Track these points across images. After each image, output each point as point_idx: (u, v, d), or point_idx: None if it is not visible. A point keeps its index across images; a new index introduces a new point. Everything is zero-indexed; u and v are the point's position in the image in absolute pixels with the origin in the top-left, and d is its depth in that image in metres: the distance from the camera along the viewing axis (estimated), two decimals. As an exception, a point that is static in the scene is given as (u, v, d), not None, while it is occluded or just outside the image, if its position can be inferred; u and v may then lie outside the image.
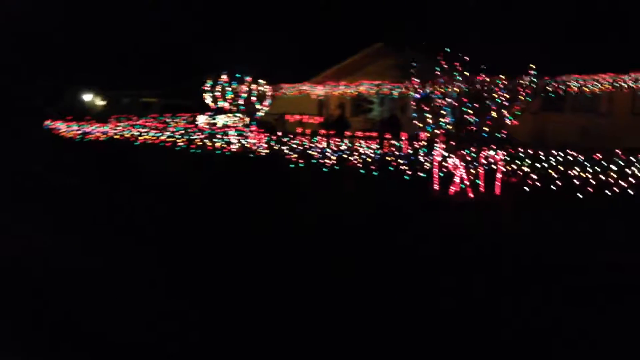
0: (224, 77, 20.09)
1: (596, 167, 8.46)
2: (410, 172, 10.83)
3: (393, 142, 12.01)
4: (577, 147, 10.55)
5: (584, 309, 4.68)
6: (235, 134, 17.87)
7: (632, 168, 7.98)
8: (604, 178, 8.20)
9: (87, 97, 46.01)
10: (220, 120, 23.40)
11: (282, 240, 6.81)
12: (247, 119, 20.52)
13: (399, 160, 11.23)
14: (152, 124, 19.50)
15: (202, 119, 24.20)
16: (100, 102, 45.96)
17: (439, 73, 11.77)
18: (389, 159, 11.51)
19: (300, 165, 12.52)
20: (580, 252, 6.20)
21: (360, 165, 11.54)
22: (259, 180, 11.16)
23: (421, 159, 10.99)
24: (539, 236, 7.00)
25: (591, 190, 8.24)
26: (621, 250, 6.25)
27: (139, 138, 18.57)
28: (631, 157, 8.11)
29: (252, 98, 20.10)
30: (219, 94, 19.75)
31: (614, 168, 8.17)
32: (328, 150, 12.70)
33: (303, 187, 10.63)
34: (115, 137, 19.62)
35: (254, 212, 8.34)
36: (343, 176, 11.23)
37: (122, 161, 14.31)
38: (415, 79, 12.26)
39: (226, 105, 20.02)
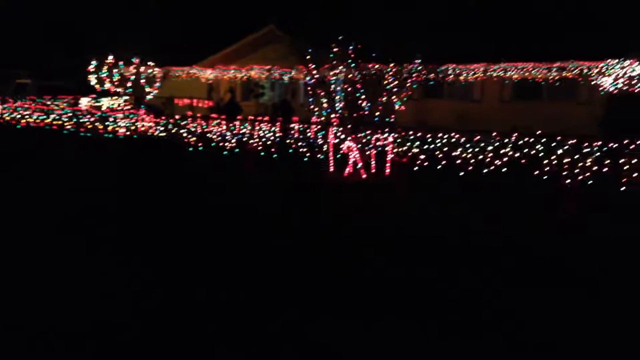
0: (110, 58, 19.34)
1: (475, 148, 9.41)
2: (308, 155, 11.28)
3: (292, 125, 12.38)
4: (454, 130, 11.51)
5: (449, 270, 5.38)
6: (125, 117, 17.31)
7: (506, 149, 8.99)
8: (481, 157, 9.16)
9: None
10: (105, 103, 22.48)
11: (193, 219, 6.99)
12: (134, 102, 19.92)
13: (298, 143, 11.63)
14: (33, 106, 18.30)
15: (85, 102, 23.07)
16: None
17: (333, 59, 12.32)
18: (288, 141, 11.89)
19: (200, 148, 12.55)
20: (452, 223, 7.01)
21: (261, 148, 11.82)
22: (160, 164, 11.07)
23: (319, 141, 11.48)
24: (421, 211, 7.77)
25: (470, 168, 9.17)
26: (491, 220, 7.12)
27: (22, 121, 17.40)
28: (505, 139, 9.16)
29: (141, 81, 19.56)
30: (105, 75, 18.99)
31: (490, 148, 9.18)
32: (228, 133, 12.81)
33: (204, 170, 10.73)
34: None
35: (162, 196, 8.35)
36: (244, 159, 11.45)
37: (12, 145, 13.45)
38: (310, 64, 12.67)
39: (113, 87, 19.32)
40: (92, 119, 16.11)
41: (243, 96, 27.63)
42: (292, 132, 12.06)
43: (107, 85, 18.86)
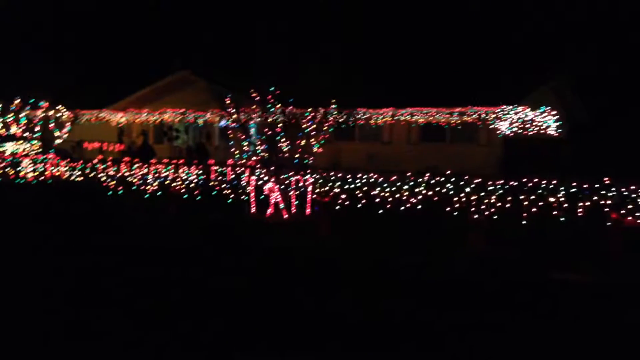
0: (17, 101, 18.64)
1: (392, 187, 10.07)
2: (232, 196, 11.50)
3: (215, 168, 12.58)
4: (366, 170, 12.18)
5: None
6: (33, 162, 16.69)
7: (420, 187, 9.73)
8: (398, 196, 9.83)
9: None
10: (9, 148, 21.48)
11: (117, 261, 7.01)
12: (41, 147, 19.23)
13: (222, 185, 11.83)
14: None
15: (-15, 147, 21.94)
16: None
17: (252, 104, 12.75)
18: (212, 184, 12.05)
19: (120, 192, 12.40)
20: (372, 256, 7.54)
21: (184, 191, 11.89)
22: (79, 209, 10.85)
23: (242, 183, 11.75)
24: (345, 246, 8.26)
25: (389, 206, 9.81)
26: (413, 253, 7.73)
27: None
28: (419, 179, 9.91)
29: (49, 125, 18.97)
30: (12, 119, 18.25)
31: (406, 187, 9.87)
32: (148, 176, 12.75)
33: (127, 213, 10.66)
34: None
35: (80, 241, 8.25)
36: (168, 201, 11.46)
37: None
38: (230, 108, 13.00)
39: (19, 132, 18.56)
40: (1, 164, 15.41)
41: (155, 139, 27.34)
42: (215, 174, 12.25)
43: (14, 130, 18.10)
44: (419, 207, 9.52)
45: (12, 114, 18.23)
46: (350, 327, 5.00)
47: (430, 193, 9.62)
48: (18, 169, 15.44)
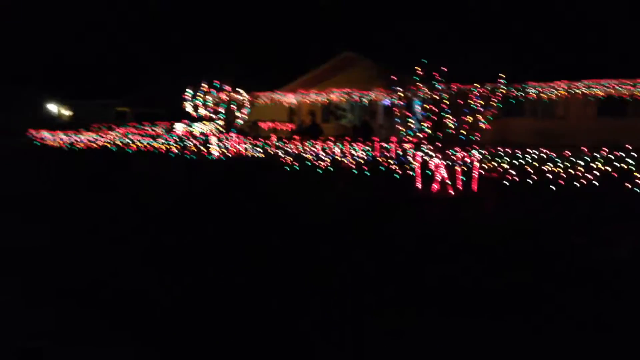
0: (204, 85, 20.78)
1: (565, 163, 9.70)
2: (399, 172, 11.91)
3: (381, 144, 13.10)
4: (536, 146, 11.73)
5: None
6: (218, 140, 18.64)
7: (596, 163, 9.24)
8: (572, 172, 9.44)
9: (52, 107, 45.61)
10: (198, 127, 24.04)
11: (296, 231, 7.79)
12: (224, 127, 21.26)
13: (389, 161, 12.31)
14: (139, 131, 20.11)
15: (180, 127, 24.77)
16: (66, 111, 45.64)
17: (417, 81, 12.95)
18: (379, 159, 12.59)
19: (296, 167, 13.49)
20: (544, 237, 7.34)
21: (353, 166, 12.59)
22: (263, 181, 12.07)
23: (409, 159, 12.10)
24: (511, 222, 8.16)
25: (562, 182, 9.47)
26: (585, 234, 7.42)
27: (131, 145, 19.18)
28: (595, 154, 9.41)
29: (232, 106, 20.88)
30: (200, 102, 20.42)
31: (581, 163, 9.44)
32: (322, 153, 13.69)
33: (302, 187, 11.60)
34: (107, 145, 20.13)
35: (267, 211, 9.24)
36: (338, 176, 12.24)
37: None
38: (395, 87, 13.35)
39: (207, 113, 20.68)
40: (196, 143, 17.50)
41: (323, 118, 28.65)
42: (380, 151, 12.76)
43: (202, 112, 20.25)
44: (596, 183, 9.05)
45: (200, 97, 20.37)
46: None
47: (608, 169, 9.12)
48: (207, 146, 17.36)
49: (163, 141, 18.54)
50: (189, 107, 20.83)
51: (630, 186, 8.52)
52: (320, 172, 12.95)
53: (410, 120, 12.92)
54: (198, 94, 20.72)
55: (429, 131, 12.45)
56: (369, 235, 7.72)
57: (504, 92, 12.55)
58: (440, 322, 4.61)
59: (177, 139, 18.04)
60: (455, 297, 5.17)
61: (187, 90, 20.99)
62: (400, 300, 5.07)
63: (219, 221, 8.48)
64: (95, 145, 20.93)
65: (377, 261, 6.36)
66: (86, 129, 23.55)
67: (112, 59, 47.48)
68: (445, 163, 11.45)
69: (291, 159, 13.90)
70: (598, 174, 9.13)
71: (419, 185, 11.63)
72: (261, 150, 15.30)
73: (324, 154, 13.55)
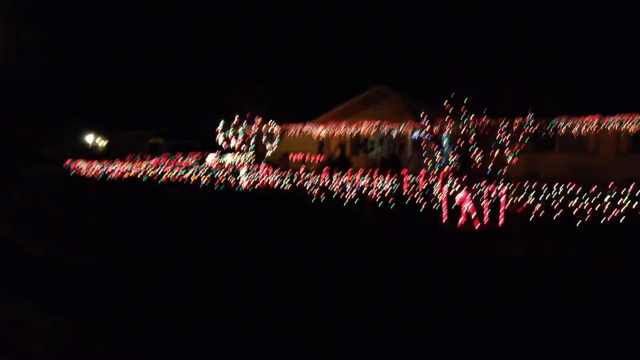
0: (236, 118, 21.28)
1: (590, 199, 9.61)
2: (424, 205, 11.94)
3: (408, 178, 13.17)
4: (566, 182, 11.65)
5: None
6: (249, 172, 18.98)
7: (622, 199, 9.14)
8: (598, 207, 9.34)
9: (89, 137, 47.08)
10: (229, 159, 24.53)
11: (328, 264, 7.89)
12: (254, 158, 21.65)
13: (414, 194, 12.36)
14: (170, 162, 20.65)
15: (211, 158, 25.31)
16: (101, 141, 47.05)
17: (445, 115, 13.03)
18: (405, 193, 12.66)
19: (322, 199, 13.66)
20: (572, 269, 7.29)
21: (379, 199, 12.67)
22: (289, 213, 12.25)
23: (434, 193, 12.13)
24: (538, 256, 8.11)
25: (588, 218, 9.38)
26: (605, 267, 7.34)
27: (163, 176, 19.68)
28: (621, 190, 9.31)
29: (262, 138, 21.30)
30: (232, 134, 20.88)
31: (607, 198, 9.35)
32: (347, 185, 13.85)
33: (327, 221, 11.75)
34: (139, 175, 20.72)
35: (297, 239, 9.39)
36: (363, 209, 12.35)
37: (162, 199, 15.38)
38: (424, 120, 13.44)
39: (238, 144, 21.12)
40: (224, 174, 17.88)
41: (352, 151, 28.90)
42: (408, 184, 12.84)
43: (233, 143, 20.68)
44: (622, 218, 8.95)
45: (232, 129, 20.84)
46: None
47: (635, 205, 9.02)
48: (237, 177, 17.72)
49: (193, 172, 18.99)
50: (221, 139, 21.32)
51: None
52: (345, 204, 13.09)
53: (437, 153, 12.98)
54: (231, 126, 21.21)
55: (456, 165, 12.51)
56: (395, 265, 7.78)
57: (532, 126, 12.54)
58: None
59: (207, 170, 18.46)
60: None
61: (220, 122, 21.52)
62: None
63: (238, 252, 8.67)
64: (127, 175, 21.55)
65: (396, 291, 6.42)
66: (121, 159, 24.28)
67: (150, 92, 48.97)
68: (471, 197, 11.44)
69: (317, 191, 14.08)
70: (622, 210, 9.02)
71: (445, 218, 11.63)
72: (289, 182, 15.54)
73: (351, 187, 13.70)
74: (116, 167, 22.55)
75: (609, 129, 19.95)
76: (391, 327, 5.23)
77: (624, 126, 19.47)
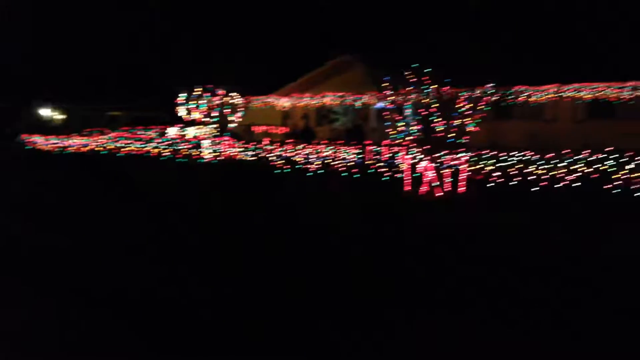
0: (198, 90, 20.94)
1: (548, 165, 9.91)
2: (388, 174, 12.10)
3: (372, 148, 13.29)
4: (525, 150, 11.93)
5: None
6: (213, 144, 18.82)
7: (578, 165, 9.45)
8: (554, 174, 9.65)
9: (45, 111, 45.69)
10: (191, 132, 24.20)
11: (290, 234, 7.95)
12: (219, 130, 21.42)
13: (378, 164, 12.50)
14: (131, 135, 20.26)
15: (172, 131, 24.91)
16: (58, 115, 45.74)
17: (408, 85, 13.14)
18: (368, 163, 12.78)
19: (286, 170, 13.68)
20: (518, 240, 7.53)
21: (343, 169, 12.77)
22: (254, 184, 12.23)
23: (396, 162, 12.30)
24: (495, 223, 8.36)
25: (544, 184, 9.68)
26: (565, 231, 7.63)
27: (122, 149, 19.32)
28: (577, 156, 9.62)
29: (225, 110, 21.03)
30: (193, 106, 20.56)
31: (564, 164, 9.66)
32: (312, 156, 13.88)
33: (293, 190, 11.79)
34: (98, 149, 20.30)
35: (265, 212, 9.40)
36: (328, 179, 12.43)
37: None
38: (388, 90, 13.53)
39: (200, 117, 20.82)
40: (188, 146, 17.67)
41: (317, 122, 28.84)
42: (371, 154, 12.95)
43: (195, 115, 20.39)
44: (577, 184, 9.27)
45: (194, 101, 20.52)
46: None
47: (589, 170, 9.34)
48: (200, 150, 17.54)
49: (155, 145, 18.70)
50: (182, 111, 20.98)
51: (609, 187, 8.74)
52: (310, 175, 13.15)
53: (400, 123, 13.11)
54: (191, 98, 20.87)
55: (419, 134, 12.67)
56: (359, 234, 7.87)
57: (494, 96, 12.77)
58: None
59: (171, 143, 18.20)
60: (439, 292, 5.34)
61: (180, 94, 21.15)
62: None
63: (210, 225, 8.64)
64: (85, 149, 21.10)
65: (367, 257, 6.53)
66: (78, 133, 23.71)
67: (112, 65, 47.71)
68: (433, 166, 11.65)
69: (282, 163, 14.10)
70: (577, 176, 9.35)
71: (408, 186, 11.83)
72: (253, 154, 15.49)
73: (315, 157, 13.74)
74: (74, 141, 22.02)
75: (566, 97, 20.43)
76: (342, 294, 5.33)
77: (581, 94, 19.97)
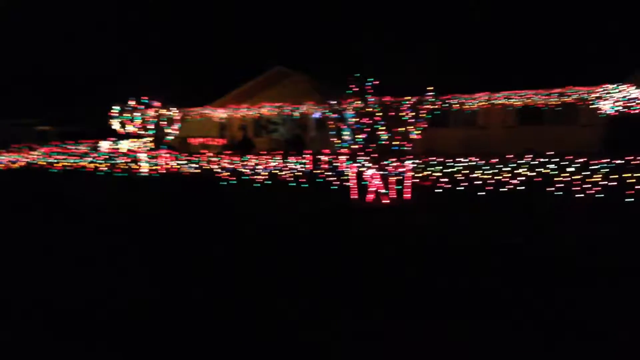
0: (132, 102, 20.34)
1: (492, 170, 10.25)
2: (337, 183, 12.13)
3: (319, 157, 13.29)
4: (461, 155, 12.32)
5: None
6: (147, 157, 18.29)
7: (520, 169, 9.84)
8: (499, 178, 9.98)
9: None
10: (125, 145, 23.42)
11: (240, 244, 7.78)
12: (155, 143, 20.86)
13: (324, 173, 12.50)
14: (63, 150, 19.38)
15: (105, 145, 24.03)
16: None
17: (348, 94, 13.26)
18: (316, 172, 12.77)
19: (232, 182, 13.43)
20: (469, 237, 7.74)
21: (291, 179, 12.69)
22: (198, 197, 11.92)
23: (343, 171, 12.35)
24: (442, 226, 8.55)
25: (489, 188, 10.00)
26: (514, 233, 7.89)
27: (56, 165, 18.40)
28: (519, 161, 10.01)
29: (161, 122, 20.53)
30: (128, 119, 19.96)
31: (507, 169, 10.01)
32: (259, 167, 13.73)
33: (243, 201, 11.58)
34: (33, 165, 19.24)
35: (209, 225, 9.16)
36: (276, 189, 12.31)
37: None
38: (328, 100, 13.62)
39: (135, 130, 20.23)
40: (126, 160, 17.05)
41: (255, 132, 28.66)
42: (317, 163, 12.96)
43: (130, 128, 19.78)
44: (522, 187, 9.62)
45: (128, 114, 19.91)
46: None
47: (532, 174, 9.73)
48: (138, 164, 16.98)
49: (90, 160, 17.96)
50: (115, 125, 20.31)
51: (553, 189, 9.14)
52: (258, 185, 13.00)
53: (343, 132, 13.19)
54: (126, 111, 20.25)
55: (363, 143, 12.80)
56: (310, 242, 7.81)
57: (432, 104, 13.11)
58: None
59: (107, 157, 17.52)
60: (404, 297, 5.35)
61: (113, 107, 20.47)
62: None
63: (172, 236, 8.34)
64: (16, 165, 19.99)
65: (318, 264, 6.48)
66: (5, 149, 22.44)
67: (36, 78, 45.57)
68: (379, 173, 11.78)
69: (225, 174, 13.86)
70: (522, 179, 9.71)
71: (355, 195, 11.90)
72: (196, 166, 15.15)
73: (260, 168, 13.62)
74: (2, 158, 20.79)
75: (497, 104, 21.30)
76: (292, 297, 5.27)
77: (511, 101, 20.88)
